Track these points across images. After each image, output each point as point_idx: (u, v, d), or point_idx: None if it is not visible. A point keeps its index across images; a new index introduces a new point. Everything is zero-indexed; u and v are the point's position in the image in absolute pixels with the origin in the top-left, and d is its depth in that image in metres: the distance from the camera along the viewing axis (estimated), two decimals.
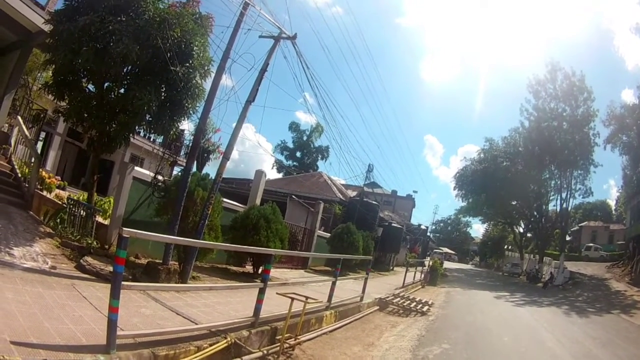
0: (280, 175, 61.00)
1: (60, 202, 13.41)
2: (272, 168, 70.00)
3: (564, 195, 56.41)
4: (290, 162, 72.24)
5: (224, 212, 14.20)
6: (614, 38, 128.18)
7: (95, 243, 11.23)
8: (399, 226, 44.10)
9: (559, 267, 45.77)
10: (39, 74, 16.78)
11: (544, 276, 49.58)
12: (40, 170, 14.92)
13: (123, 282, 5.33)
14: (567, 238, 71.86)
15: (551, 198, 62.20)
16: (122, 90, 11.65)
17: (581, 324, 19.69)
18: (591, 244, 67.94)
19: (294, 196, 29.07)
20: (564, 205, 56.50)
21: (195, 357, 5.93)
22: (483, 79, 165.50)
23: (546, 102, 55.14)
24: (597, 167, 55.65)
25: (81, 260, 9.63)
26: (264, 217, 15.20)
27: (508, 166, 59.26)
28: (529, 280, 51.39)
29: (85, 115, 11.61)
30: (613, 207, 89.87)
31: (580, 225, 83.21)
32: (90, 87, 11.92)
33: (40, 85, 13.43)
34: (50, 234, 11.43)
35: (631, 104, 47.65)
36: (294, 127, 75.27)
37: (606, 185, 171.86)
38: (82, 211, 12.17)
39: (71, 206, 12.60)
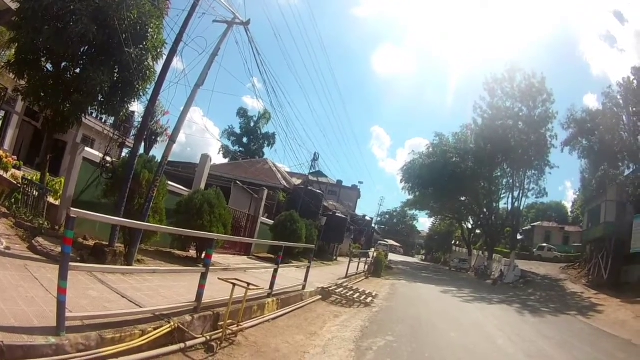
0: (226, 161, 61.18)
1: (15, 182, 13.46)
2: (219, 153, 70.07)
3: (516, 194, 57.65)
4: (236, 148, 72.04)
5: (169, 196, 14.35)
6: (579, 44, 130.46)
7: (46, 224, 11.43)
8: (344, 216, 44.52)
9: (510, 265, 46.71)
10: (2, 52, 16.78)
11: (493, 273, 50.56)
12: None
13: (70, 263, 5.56)
14: (519, 237, 72.99)
15: (502, 196, 63.67)
16: (77, 70, 11.80)
17: (534, 322, 19.82)
18: (544, 244, 69.02)
19: (238, 182, 29.19)
20: (516, 204, 57.76)
21: (140, 341, 6.16)
22: (437, 74, 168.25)
23: (502, 101, 56.17)
24: (552, 169, 57.29)
25: (33, 241, 9.86)
26: (208, 202, 15.40)
27: (458, 162, 60.02)
28: (477, 276, 52.26)
29: (42, 94, 11.78)
30: (569, 209, 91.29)
31: (533, 224, 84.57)
32: (49, 66, 12.06)
33: (2, 64, 13.51)
34: (5, 214, 11.65)
35: (594, 110, 48.68)
36: (242, 112, 75.43)
37: (562, 187, 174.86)
38: (35, 191, 12.33)
39: (25, 186, 12.70)
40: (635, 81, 40.43)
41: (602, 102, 46.37)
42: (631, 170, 42.97)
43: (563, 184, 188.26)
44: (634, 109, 41.29)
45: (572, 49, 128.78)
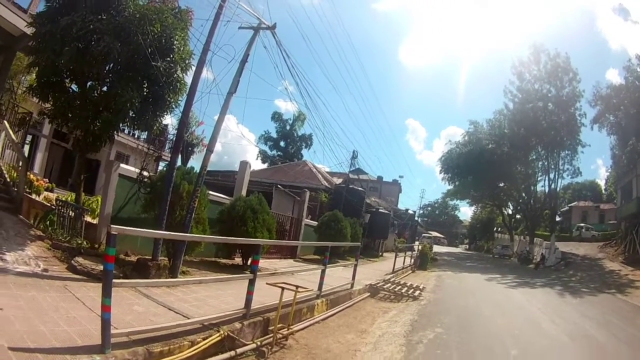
0: (265, 166, 61.55)
1: (49, 204, 13.42)
2: (257, 159, 70.88)
3: (552, 175, 57.21)
4: (274, 152, 72.82)
5: (211, 205, 14.16)
6: (597, 19, 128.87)
7: (85, 243, 11.27)
8: (386, 212, 44.32)
9: (550, 248, 46.03)
10: (23, 78, 16.78)
11: (535, 257, 49.92)
12: (28, 173, 14.97)
13: (114, 280, 5.39)
14: (557, 219, 72.56)
15: (539, 179, 63.03)
16: (104, 88, 11.67)
17: (575, 304, 19.71)
18: (582, 224, 68.35)
19: (279, 186, 29.16)
20: (553, 186, 57.36)
21: (190, 352, 6.01)
22: (464, 61, 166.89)
23: (530, 84, 55.74)
24: (584, 147, 56.65)
25: (72, 261, 9.70)
26: (251, 208, 15.22)
27: (494, 148, 59.53)
28: (520, 262, 51.58)
29: (70, 115, 11.61)
30: (603, 187, 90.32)
31: (570, 205, 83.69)
32: (74, 87, 11.93)
33: (24, 89, 13.43)
34: (40, 237, 11.48)
35: (617, 84, 47.93)
36: (277, 117, 75.69)
37: (594, 165, 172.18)
38: (70, 212, 12.18)
39: (60, 207, 12.55)
40: None
41: (625, 77, 45.71)
42: None
43: (595, 162, 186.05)
44: None
45: (589, 26, 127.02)
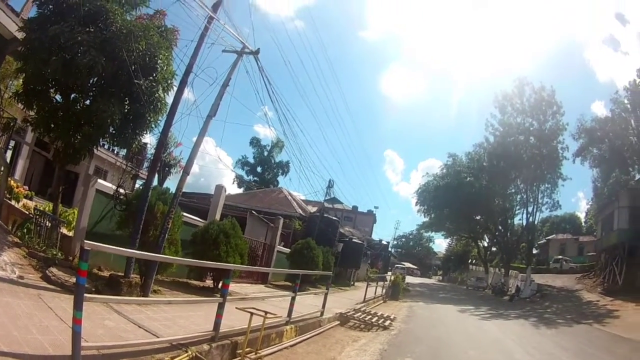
0: (240, 191, 61.84)
1: (27, 212, 13.54)
2: (233, 183, 71.37)
3: (530, 209, 57.56)
4: (250, 178, 73.28)
5: (184, 227, 14.37)
6: (584, 51, 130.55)
7: (59, 254, 11.39)
8: (360, 242, 44.58)
9: (526, 280, 46.82)
10: (11, 82, 16.91)
11: (510, 289, 50.54)
12: (9, 179, 15.04)
13: (86, 294, 5.49)
14: (534, 251, 73.16)
15: (517, 212, 63.72)
16: (87, 102, 11.84)
17: (551, 334, 19.97)
18: (560, 257, 69.04)
19: (253, 211, 29.21)
20: (531, 219, 57.66)
21: None
22: (447, 94, 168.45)
23: (512, 117, 56.30)
24: (565, 181, 57.00)
25: (47, 271, 9.86)
26: (224, 232, 15.36)
27: (472, 181, 59.73)
28: (494, 293, 52.16)
29: (52, 125, 11.80)
30: (583, 220, 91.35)
31: (547, 238, 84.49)
32: (58, 97, 12.10)
33: (11, 94, 13.57)
34: (17, 244, 11.63)
35: (603, 117, 48.69)
36: (255, 142, 76.48)
37: (575, 198, 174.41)
38: (47, 222, 12.31)
39: (37, 217, 12.69)
40: None
41: (611, 109, 46.63)
42: None
43: (576, 195, 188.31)
44: None
45: (577, 57, 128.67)
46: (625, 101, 43.75)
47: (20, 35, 12.04)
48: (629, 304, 29.08)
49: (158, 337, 7.34)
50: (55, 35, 10.49)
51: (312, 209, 44.69)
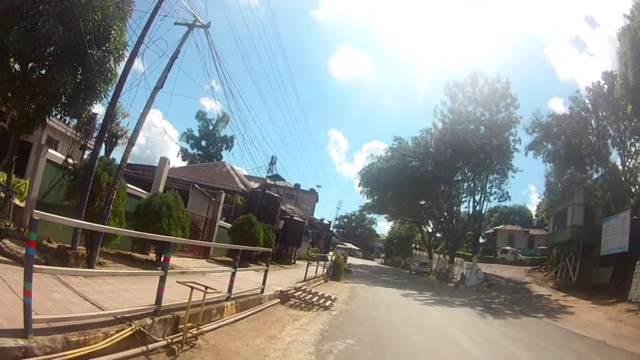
0: (185, 164, 61.26)
1: None
2: (178, 156, 70.84)
3: (477, 197, 58.08)
4: (195, 151, 73.48)
5: (129, 198, 14.63)
6: (546, 48, 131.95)
7: (12, 225, 11.56)
8: (301, 220, 45.04)
9: (472, 268, 47.67)
10: None
11: (455, 277, 51.41)
12: None
13: (35, 266, 5.76)
14: (481, 240, 74.01)
15: (463, 200, 64.67)
16: (43, 71, 11.97)
17: (499, 325, 20.11)
18: (508, 247, 70.46)
19: (196, 185, 29.27)
20: (477, 208, 58.18)
21: (103, 343, 6.37)
22: (395, 77, 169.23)
23: (463, 106, 56.50)
24: (516, 173, 57.93)
25: (0, 243, 10.11)
26: (166, 205, 15.65)
27: (417, 166, 59.98)
28: (438, 279, 53.03)
29: (9, 95, 11.92)
30: (533, 213, 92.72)
31: (495, 228, 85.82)
32: (17, 67, 12.20)
33: None
34: None
35: (561, 114, 49.22)
36: (201, 115, 77.24)
37: (526, 190, 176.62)
38: (1, 193, 12.47)
39: None
40: (605, 86, 41.10)
41: (570, 107, 46.86)
42: (600, 174, 43.81)
43: (527, 187, 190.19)
44: (604, 114, 42.08)
45: (539, 53, 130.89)
46: (587, 101, 44.25)
47: None
48: (583, 302, 29.34)
49: (103, 310, 7.56)
50: (19, 4, 10.59)
51: (255, 185, 44.50)
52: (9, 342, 5.20)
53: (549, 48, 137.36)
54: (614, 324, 21.76)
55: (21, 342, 5.29)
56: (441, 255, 72.56)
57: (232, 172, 45.79)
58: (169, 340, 7.81)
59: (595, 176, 44.59)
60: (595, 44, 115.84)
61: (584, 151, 43.22)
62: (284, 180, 56.77)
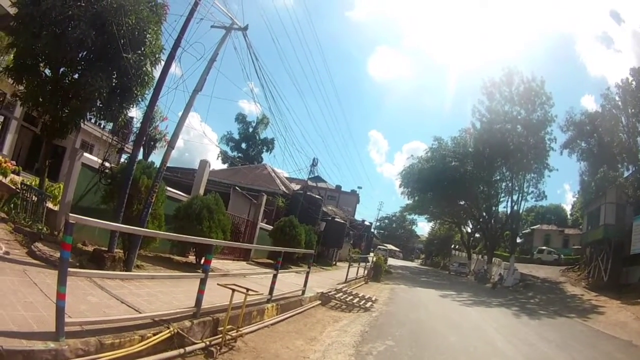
0: (225, 166, 61.74)
1: (14, 187, 13.50)
2: (217, 159, 71.50)
3: (515, 197, 57.24)
4: (235, 154, 73.21)
5: (168, 201, 14.44)
6: (576, 44, 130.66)
7: (45, 229, 11.43)
8: (342, 221, 44.60)
9: (509, 269, 46.70)
10: (2, 58, 16.86)
11: (492, 277, 50.66)
12: None
13: (69, 269, 5.50)
14: (518, 240, 73.26)
15: (502, 200, 63.52)
16: (75, 76, 11.86)
17: (534, 325, 19.80)
18: (544, 247, 69.33)
19: (237, 187, 29.15)
20: (515, 208, 57.38)
21: (140, 346, 6.17)
22: (434, 78, 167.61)
23: (500, 105, 55.84)
24: (551, 172, 56.91)
25: (32, 246, 9.89)
26: (207, 208, 15.41)
27: (457, 166, 59.72)
28: (477, 280, 52.52)
29: (41, 99, 11.84)
30: (568, 212, 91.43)
31: (532, 227, 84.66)
32: (47, 72, 12.09)
33: (1, 69, 13.61)
34: (4, 219, 11.74)
35: (593, 111, 48.47)
36: (241, 118, 76.69)
37: (560, 190, 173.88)
38: (34, 197, 12.35)
39: (24, 191, 12.72)
40: (633, 82, 40.28)
41: (601, 104, 46.14)
42: (630, 172, 42.90)
43: (562, 186, 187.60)
44: (633, 110, 41.21)
45: (569, 51, 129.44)
46: (617, 98, 43.57)
47: (13, 10, 11.97)
48: (613, 301, 28.83)
49: (140, 312, 7.38)
50: (47, 9, 10.52)
51: (296, 187, 44.56)
52: (38, 345, 4.99)
53: (579, 45, 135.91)
54: None
55: (51, 345, 5.08)
56: (479, 256, 71.56)
57: (273, 174, 45.71)
58: (208, 343, 7.62)
59: (626, 174, 43.74)
60: (622, 40, 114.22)
61: (615, 149, 42.43)
62: (325, 182, 56.76)
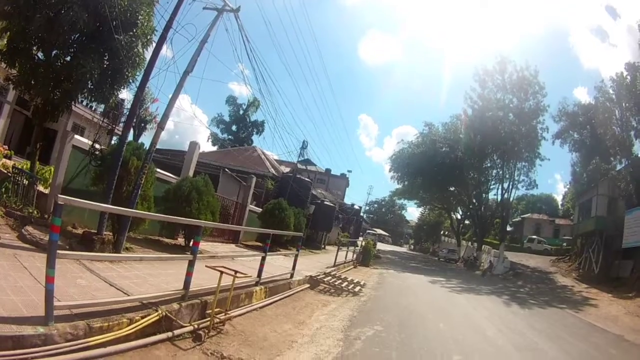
0: (215, 148, 61.41)
1: (6, 171, 13.46)
2: (208, 141, 71.54)
3: (505, 185, 57.16)
4: (225, 136, 73.37)
5: (157, 183, 14.54)
6: (570, 36, 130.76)
7: (36, 212, 11.48)
8: (332, 204, 44.77)
9: (499, 257, 46.78)
10: None
11: (482, 264, 50.86)
12: None
13: (58, 251, 5.55)
14: (509, 228, 73.40)
15: (492, 187, 63.40)
16: (67, 58, 11.84)
17: (524, 315, 19.83)
18: (534, 236, 69.62)
19: (226, 169, 29.15)
20: (506, 195, 57.35)
21: (128, 329, 6.22)
22: (425, 63, 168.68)
23: (492, 93, 55.78)
24: (543, 161, 57.20)
25: (23, 230, 9.95)
26: (196, 189, 15.46)
27: (447, 152, 60.20)
28: (466, 267, 52.71)
29: (33, 82, 11.82)
30: (559, 202, 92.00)
31: (523, 216, 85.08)
32: (40, 55, 12.07)
33: None
34: None
35: (586, 103, 48.44)
36: (231, 100, 76.69)
37: (552, 179, 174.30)
38: (24, 180, 12.36)
39: (15, 175, 12.73)
40: (628, 77, 40.30)
41: (595, 97, 45.98)
42: (623, 165, 43.05)
43: (553, 176, 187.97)
44: (627, 105, 41.26)
45: (563, 42, 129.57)
46: (611, 91, 43.56)
47: None
48: (604, 294, 28.94)
49: (129, 295, 7.41)
50: None
51: (285, 169, 44.56)
52: (28, 330, 5.03)
53: (572, 37, 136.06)
54: (631, 318, 21.57)
55: (41, 330, 5.12)
56: (469, 243, 71.79)
57: (262, 156, 45.74)
58: (196, 326, 7.64)
59: (619, 167, 43.91)
60: (617, 34, 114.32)
61: (608, 142, 42.46)
62: (315, 165, 56.66)
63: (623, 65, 41.74)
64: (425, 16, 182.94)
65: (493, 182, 62.69)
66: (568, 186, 66.62)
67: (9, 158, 17.09)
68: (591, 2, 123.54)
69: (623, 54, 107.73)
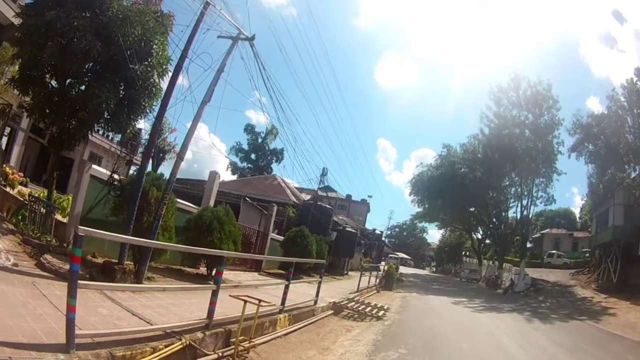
0: (234, 177, 61.88)
1: (22, 199, 13.55)
2: (227, 170, 71.55)
3: (524, 202, 57.43)
4: (244, 164, 73.28)
5: (178, 213, 14.33)
6: (580, 47, 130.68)
7: (54, 241, 11.40)
8: (353, 230, 44.48)
9: (520, 274, 46.37)
10: (7, 68, 16.86)
11: (504, 282, 50.43)
12: (4, 165, 15.02)
13: (80, 281, 5.51)
14: (528, 245, 72.90)
15: (511, 205, 63.45)
16: (82, 87, 11.81)
17: (545, 329, 19.82)
18: (554, 251, 69.12)
19: (247, 198, 29.17)
20: (525, 212, 57.55)
21: (152, 357, 6.12)
22: (441, 85, 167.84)
23: (508, 110, 56.12)
24: (560, 175, 57.09)
25: (41, 258, 9.84)
26: (217, 219, 15.34)
27: (466, 173, 59.82)
28: (488, 286, 52.34)
29: (47, 111, 11.76)
30: (577, 215, 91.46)
31: (542, 232, 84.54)
32: (53, 83, 12.05)
33: (7, 80, 13.57)
34: (12, 231, 11.66)
35: (599, 113, 48.46)
36: (249, 129, 77.18)
37: (569, 193, 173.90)
38: (42, 208, 12.31)
39: (32, 203, 12.69)
40: (638, 82, 40.32)
41: (607, 106, 46.30)
42: (637, 172, 42.91)
43: (570, 190, 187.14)
44: (638, 111, 41.17)
45: (572, 53, 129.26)
46: (622, 99, 43.55)
47: (17, 21, 11.91)
48: (623, 302, 29.00)
49: (152, 324, 7.30)
50: (51, 20, 10.43)
51: (306, 197, 44.65)
52: (48, 357, 4.94)
53: (582, 47, 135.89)
54: None
55: (62, 357, 5.03)
56: (490, 262, 71.51)
57: (283, 184, 45.85)
58: (220, 354, 7.57)
59: (633, 175, 43.70)
60: (625, 40, 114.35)
61: (622, 150, 42.40)
62: (335, 191, 56.58)
63: (632, 71, 41.70)
64: (437, 36, 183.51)
65: (512, 200, 62.87)
66: (585, 198, 66.63)
67: (25, 185, 17.14)
68: (598, 9, 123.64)
69: (632, 59, 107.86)
